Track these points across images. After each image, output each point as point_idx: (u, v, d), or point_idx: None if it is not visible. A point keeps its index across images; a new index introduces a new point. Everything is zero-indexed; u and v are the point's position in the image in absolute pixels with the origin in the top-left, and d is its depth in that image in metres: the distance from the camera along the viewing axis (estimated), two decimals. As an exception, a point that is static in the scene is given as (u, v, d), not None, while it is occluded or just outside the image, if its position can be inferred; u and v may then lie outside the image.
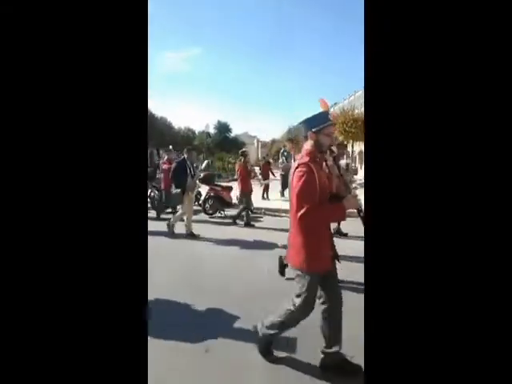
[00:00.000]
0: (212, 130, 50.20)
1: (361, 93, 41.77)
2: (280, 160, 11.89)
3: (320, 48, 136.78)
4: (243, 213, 6.60)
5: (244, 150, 8.22)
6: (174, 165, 5.70)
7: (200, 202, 8.11)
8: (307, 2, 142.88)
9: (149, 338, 2.02)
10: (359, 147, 38.83)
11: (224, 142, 43.19)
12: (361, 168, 28.69)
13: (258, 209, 8.19)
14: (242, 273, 3.97)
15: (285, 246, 4.28)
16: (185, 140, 38.14)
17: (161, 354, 2.19)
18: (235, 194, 7.87)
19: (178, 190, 5.30)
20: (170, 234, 5.53)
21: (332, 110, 41.28)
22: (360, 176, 21.39)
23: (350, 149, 35.53)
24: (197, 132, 48.91)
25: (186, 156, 5.64)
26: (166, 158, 8.35)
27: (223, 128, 49.84)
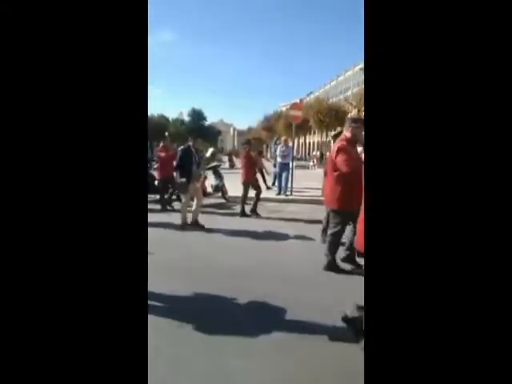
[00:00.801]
0: (186, 118, 49.65)
1: (335, 82, 43.62)
2: (273, 149, 11.13)
3: (297, 34, 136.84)
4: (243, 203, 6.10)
5: (249, 138, 7.90)
6: (179, 153, 5.34)
7: (226, 195, 7.68)
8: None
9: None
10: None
11: (199, 130, 42.97)
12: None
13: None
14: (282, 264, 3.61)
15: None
16: (158, 127, 37.45)
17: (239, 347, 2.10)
18: (235, 184, 7.28)
19: (184, 179, 4.93)
20: (183, 227, 5.06)
21: (307, 99, 42.79)
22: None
23: (323, 138, 37.37)
24: (170, 119, 48.02)
25: (191, 144, 5.25)
26: (161, 145, 7.47)
27: (198, 115, 49.30)
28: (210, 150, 8.74)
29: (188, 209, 5.22)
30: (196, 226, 5.13)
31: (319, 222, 4.72)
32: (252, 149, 6.67)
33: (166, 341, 2.12)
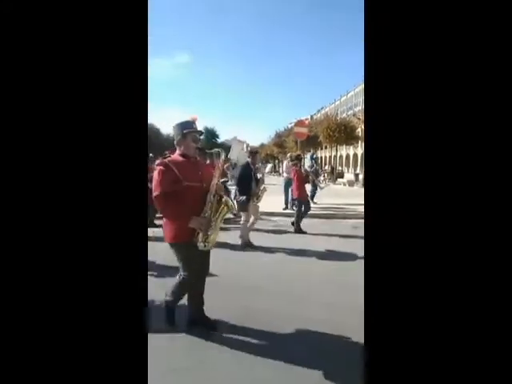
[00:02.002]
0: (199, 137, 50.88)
1: (345, 98, 44.20)
2: (309, 164, 10.73)
3: (309, 55, 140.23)
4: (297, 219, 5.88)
5: (298, 153, 7.36)
6: (238, 170, 5.13)
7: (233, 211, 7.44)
8: (298, 11, 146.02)
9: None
10: (346, 151, 41.21)
11: (212, 148, 43.86)
12: (347, 171, 30.61)
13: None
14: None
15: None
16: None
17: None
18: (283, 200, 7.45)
19: (243, 198, 4.62)
20: (244, 247, 4.72)
21: (318, 114, 43.36)
22: (346, 178, 23.12)
23: (333, 153, 37.48)
24: (184, 138, 49.31)
25: (249, 160, 4.94)
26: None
27: (210, 134, 50.69)
28: (269, 166, 8.13)
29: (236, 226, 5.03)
30: (249, 246, 4.80)
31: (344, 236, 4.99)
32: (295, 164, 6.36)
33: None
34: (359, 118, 26.23)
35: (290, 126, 44.78)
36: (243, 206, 4.72)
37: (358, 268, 3.51)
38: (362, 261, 1.01)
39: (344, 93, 44.12)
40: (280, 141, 42.50)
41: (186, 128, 2.20)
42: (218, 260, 2.74)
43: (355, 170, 29.65)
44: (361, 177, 19.77)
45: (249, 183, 4.75)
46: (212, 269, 2.48)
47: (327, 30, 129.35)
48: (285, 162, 9.11)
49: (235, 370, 1.92)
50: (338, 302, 2.88)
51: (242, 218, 4.91)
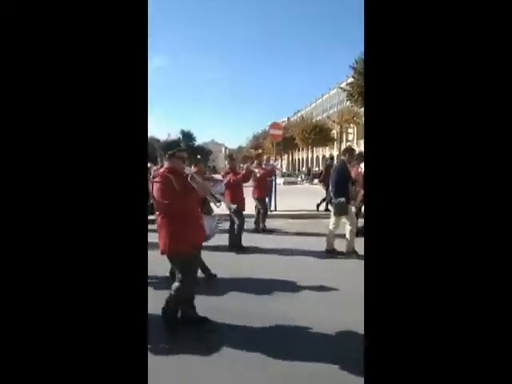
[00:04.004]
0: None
1: (321, 100, 45.11)
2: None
3: (288, 59, 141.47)
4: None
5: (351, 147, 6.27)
6: (334, 170, 4.50)
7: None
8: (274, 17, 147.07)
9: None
10: (322, 152, 42.05)
11: (189, 151, 43.42)
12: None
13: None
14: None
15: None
16: (150, 148, 37.70)
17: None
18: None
19: (342, 199, 4.15)
20: (330, 251, 4.31)
21: (295, 117, 44.02)
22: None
23: (310, 154, 38.33)
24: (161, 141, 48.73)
25: (345, 158, 4.40)
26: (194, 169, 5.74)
27: (186, 136, 50.16)
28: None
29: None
30: (353, 253, 4.16)
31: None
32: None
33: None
34: (334, 121, 26.93)
35: (267, 128, 45.22)
36: (342, 209, 4.19)
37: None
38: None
39: (319, 96, 45.14)
40: (258, 143, 42.79)
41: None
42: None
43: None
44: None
45: (346, 184, 4.25)
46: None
47: (307, 34, 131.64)
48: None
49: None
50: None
51: (331, 222, 4.32)
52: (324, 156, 41.45)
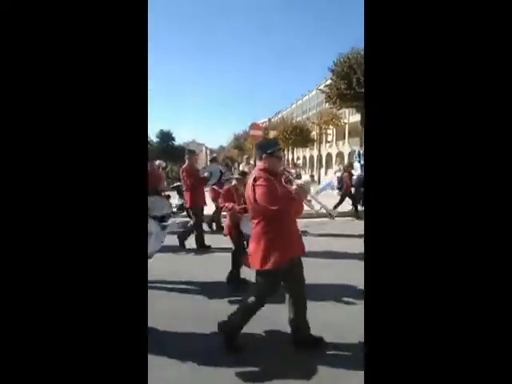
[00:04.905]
0: (154, 139, 49.37)
1: (301, 102, 45.68)
2: (356, 164, 8.87)
3: (270, 59, 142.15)
4: None
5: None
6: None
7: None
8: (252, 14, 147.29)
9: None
10: (302, 153, 42.59)
11: (168, 150, 42.80)
12: (305, 173, 31.72)
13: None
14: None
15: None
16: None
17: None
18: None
19: None
20: None
21: (276, 118, 44.30)
22: (303, 180, 23.71)
23: (290, 155, 38.58)
24: (139, 141, 47.63)
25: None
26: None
27: (166, 137, 49.27)
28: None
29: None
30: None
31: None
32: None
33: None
34: (313, 122, 27.27)
35: (248, 129, 45.28)
36: None
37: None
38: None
39: (299, 97, 45.65)
40: (240, 143, 42.74)
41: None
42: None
43: (311, 172, 30.73)
44: (316, 177, 20.53)
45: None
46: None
47: (288, 35, 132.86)
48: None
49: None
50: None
51: None
52: (304, 157, 42.02)
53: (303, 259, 2.15)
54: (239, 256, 3.20)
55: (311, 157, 39.28)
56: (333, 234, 5.77)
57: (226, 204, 3.28)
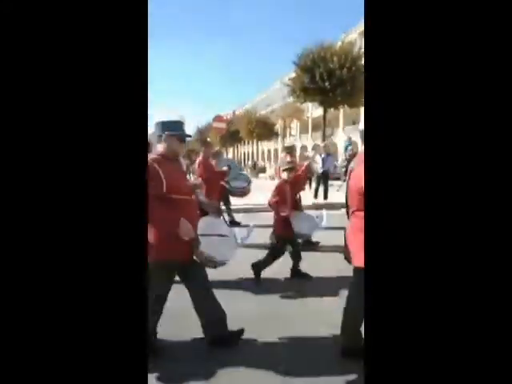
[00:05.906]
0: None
1: (265, 95, 45.58)
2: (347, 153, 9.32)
3: (231, 50, 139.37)
4: None
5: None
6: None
7: None
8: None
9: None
10: (266, 146, 42.67)
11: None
12: (270, 166, 31.77)
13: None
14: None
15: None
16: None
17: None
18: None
19: None
20: None
21: (240, 110, 43.82)
22: (268, 173, 23.72)
23: (255, 148, 38.67)
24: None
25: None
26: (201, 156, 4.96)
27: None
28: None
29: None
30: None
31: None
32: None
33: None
34: (277, 115, 27.40)
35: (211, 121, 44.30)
36: None
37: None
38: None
39: (264, 89, 45.63)
40: (204, 137, 41.88)
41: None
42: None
43: (276, 165, 30.95)
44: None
45: None
46: None
47: (249, 27, 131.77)
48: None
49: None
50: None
51: None
52: (269, 150, 42.25)
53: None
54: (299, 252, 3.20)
55: (276, 150, 39.58)
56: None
57: (282, 211, 3.06)
